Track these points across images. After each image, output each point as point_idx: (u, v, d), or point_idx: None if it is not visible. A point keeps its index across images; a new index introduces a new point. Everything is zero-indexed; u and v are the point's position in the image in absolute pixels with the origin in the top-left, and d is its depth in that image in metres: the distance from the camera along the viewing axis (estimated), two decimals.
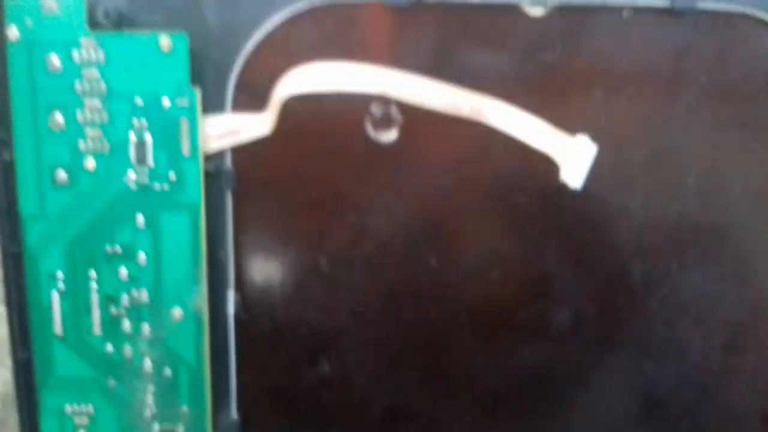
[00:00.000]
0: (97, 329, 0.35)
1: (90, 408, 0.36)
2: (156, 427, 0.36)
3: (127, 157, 0.33)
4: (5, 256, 0.34)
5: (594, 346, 0.37)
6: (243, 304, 0.36)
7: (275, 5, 0.32)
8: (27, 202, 0.33)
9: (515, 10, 0.32)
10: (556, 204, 0.35)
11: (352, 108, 0.33)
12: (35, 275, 0.34)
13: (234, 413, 0.37)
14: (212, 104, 0.33)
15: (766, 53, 0.33)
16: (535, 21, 0.32)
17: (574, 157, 0.32)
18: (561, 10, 0.32)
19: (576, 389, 0.37)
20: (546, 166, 0.34)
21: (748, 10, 0.32)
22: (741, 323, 0.36)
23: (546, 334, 0.37)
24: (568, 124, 0.33)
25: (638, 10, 0.32)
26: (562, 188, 0.34)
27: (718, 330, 0.37)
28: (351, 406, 0.37)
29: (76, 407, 0.36)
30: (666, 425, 0.38)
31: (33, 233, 0.33)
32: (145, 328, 0.35)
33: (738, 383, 0.38)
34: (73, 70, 0.32)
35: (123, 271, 0.34)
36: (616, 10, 0.32)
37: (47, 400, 0.36)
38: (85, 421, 0.36)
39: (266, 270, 0.35)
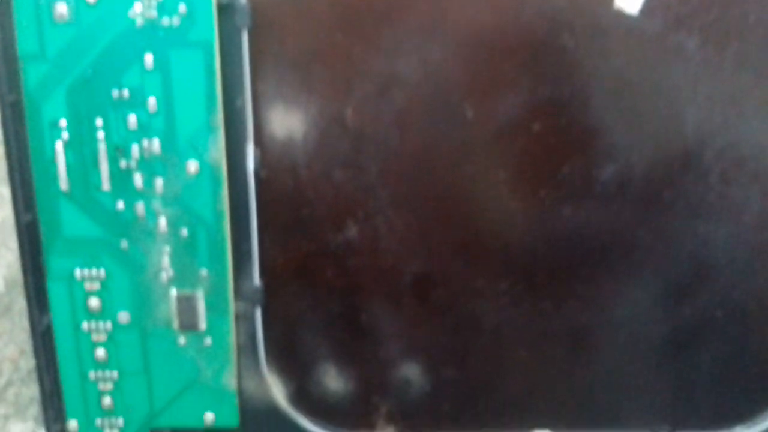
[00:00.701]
0: (105, 184, 0.31)
1: (101, 272, 0.32)
2: (173, 291, 0.33)
3: None
4: (3, 105, 0.30)
5: (642, 204, 0.33)
6: (263, 160, 0.32)
7: None
8: (25, 42, 0.29)
9: None
10: (605, 45, 0.31)
11: None
12: (37, 124, 0.30)
13: (257, 279, 0.33)
14: None
15: None
16: None
17: None
18: None
19: (621, 253, 0.34)
20: (590, 2, 0.29)
21: None
22: None
23: (591, 192, 0.33)
24: None
25: None
26: (612, 27, 0.30)
27: None
28: (379, 273, 0.34)
29: (86, 271, 0.32)
30: (718, 293, 0.35)
31: (33, 76, 0.30)
32: (158, 182, 0.31)
33: None
34: None
35: (132, 119, 0.30)
36: None
37: (55, 264, 0.32)
38: (96, 286, 0.32)
39: (288, 122, 0.32)
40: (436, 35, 0.31)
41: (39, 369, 0.34)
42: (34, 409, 0.38)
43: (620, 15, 0.30)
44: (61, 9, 0.29)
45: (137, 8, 0.29)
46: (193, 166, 0.31)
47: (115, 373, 0.34)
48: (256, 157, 0.32)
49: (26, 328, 0.34)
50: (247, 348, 0.35)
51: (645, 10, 0.30)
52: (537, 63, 0.32)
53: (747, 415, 0.37)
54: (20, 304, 0.36)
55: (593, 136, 0.32)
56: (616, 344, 0.35)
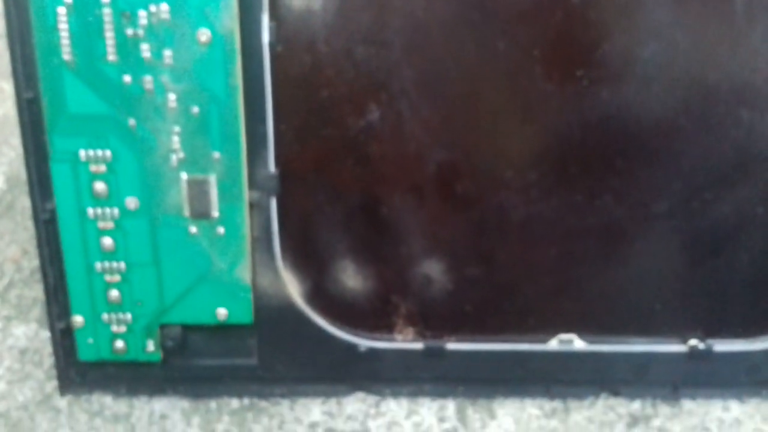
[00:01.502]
0: (111, 54, 0.28)
1: (107, 153, 0.30)
2: (184, 175, 0.30)
3: None
4: None
5: (685, 88, 0.30)
6: (279, 33, 0.29)
7: None
8: None
9: None
10: None
11: None
12: None
13: (272, 166, 0.30)
14: None
15: None
16: None
17: None
18: None
19: (661, 141, 0.31)
20: None
21: None
22: None
23: (631, 72, 0.30)
24: None
25: None
26: None
27: None
28: (402, 161, 0.32)
29: (91, 152, 0.30)
30: (761, 187, 0.32)
31: None
32: (167, 53, 0.28)
33: None
34: None
35: None
36: None
37: (58, 144, 0.29)
38: (102, 168, 0.30)
39: None
40: None
41: (42, 260, 0.32)
42: (37, 311, 0.36)
43: None
44: None
45: None
46: (204, 35, 0.28)
47: (122, 264, 0.32)
48: (271, 30, 0.29)
49: (29, 227, 0.32)
50: (262, 240, 0.32)
51: None
52: None
53: None
54: (23, 202, 0.34)
55: (635, 10, 0.29)
56: (651, 242, 0.33)
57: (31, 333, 0.36)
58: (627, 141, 0.31)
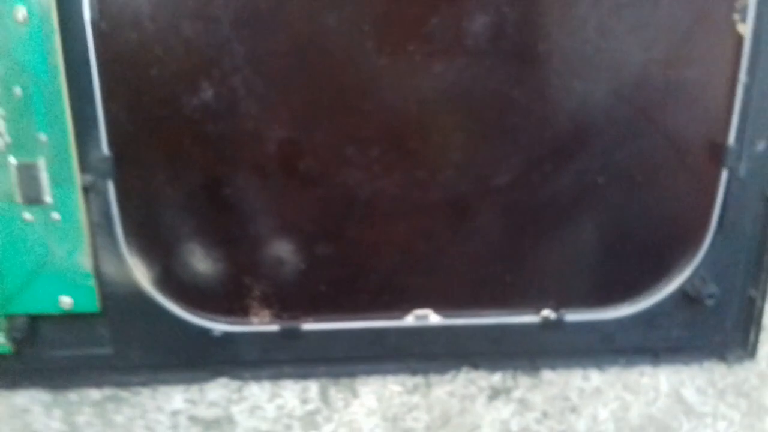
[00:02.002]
0: None
1: None
2: (12, 160, 0.29)
3: None
4: None
5: (516, 60, 0.30)
6: (102, 9, 0.28)
7: None
8: None
9: None
10: None
11: None
12: None
13: (105, 148, 0.29)
14: None
15: None
16: None
17: None
18: None
19: (496, 114, 0.31)
20: None
21: None
22: (683, 31, 0.29)
23: (461, 46, 0.30)
24: None
25: None
26: None
27: (658, 38, 0.30)
28: (241, 139, 0.31)
29: None
30: (599, 157, 0.32)
31: None
32: None
33: (681, 106, 0.31)
34: None
35: None
36: None
37: None
38: None
39: None
40: None
41: None
42: None
43: None
44: None
45: None
46: (20, 12, 0.27)
47: None
48: (92, 6, 0.28)
49: None
50: (102, 226, 0.31)
51: None
52: None
53: (632, 292, 0.34)
54: None
55: None
56: (496, 215, 0.33)
57: None
58: (463, 115, 0.31)
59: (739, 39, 0.30)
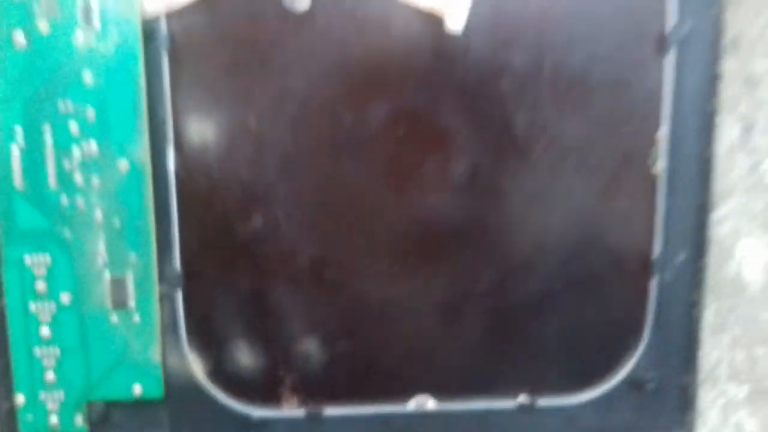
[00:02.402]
0: (53, 182, 0.36)
1: (47, 258, 0.37)
2: (107, 275, 0.37)
3: (76, 20, 0.35)
4: None
5: (489, 194, 0.39)
6: (182, 162, 0.38)
7: None
8: None
9: None
10: (448, 63, 0.38)
11: None
12: None
13: (177, 265, 0.38)
14: None
15: None
16: None
17: (454, 7, 0.36)
18: None
19: (476, 235, 0.40)
20: (437, 28, 0.37)
21: None
22: (611, 167, 0.39)
23: (447, 184, 0.39)
24: None
25: None
26: (452, 47, 0.37)
27: (595, 176, 0.40)
28: (281, 256, 0.39)
29: (35, 258, 0.37)
30: (555, 269, 0.41)
31: None
32: (95, 180, 0.36)
33: (616, 226, 0.40)
34: None
35: (73, 126, 0.36)
36: None
37: (9, 252, 0.37)
38: (43, 271, 0.37)
39: (201, 129, 0.38)
40: (319, 58, 0.38)
41: None
42: None
43: (454, 37, 0.37)
44: (18, 37, 0.35)
45: (79, 37, 0.35)
46: (123, 165, 0.36)
47: (57, 350, 0.38)
48: (175, 159, 0.37)
49: None
50: (170, 326, 0.39)
51: (477, 35, 0.37)
52: (397, 78, 0.38)
53: (591, 381, 0.42)
54: None
55: (446, 137, 0.39)
56: (479, 316, 0.41)
57: None
58: (451, 237, 0.40)
59: (655, 178, 0.40)
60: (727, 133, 0.41)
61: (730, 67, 0.40)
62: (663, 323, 0.41)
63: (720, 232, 0.42)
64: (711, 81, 0.38)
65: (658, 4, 0.37)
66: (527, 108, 0.38)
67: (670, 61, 0.38)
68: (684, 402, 0.42)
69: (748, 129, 0.41)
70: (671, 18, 0.37)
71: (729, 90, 0.40)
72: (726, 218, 0.42)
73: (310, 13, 0.37)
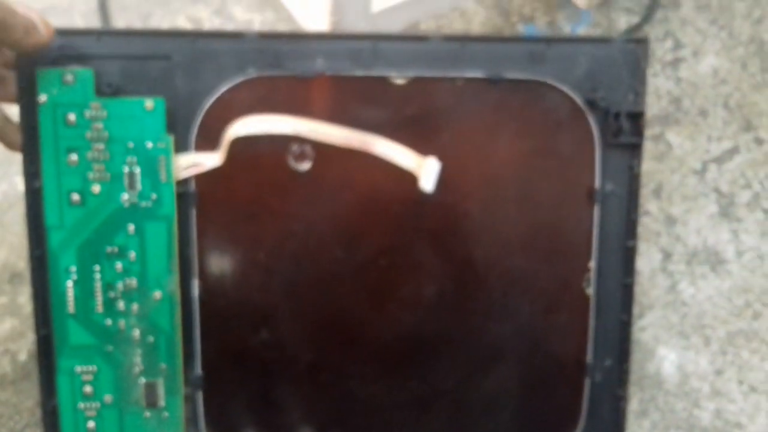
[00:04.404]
0: (99, 308, 0.42)
1: (94, 368, 0.43)
2: (142, 380, 0.43)
3: (122, 184, 0.41)
4: (33, 258, 0.42)
5: (453, 312, 0.45)
6: (204, 289, 0.43)
7: (223, 79, 0.41)
8: (50, 217, 0.41)
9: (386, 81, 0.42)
10: (421, 211, 0.44)
11: (277, 146, 0.42)
12: (56, 270, 0.41)
13: (199, 369, 0.44)
14: (181, 146, 0.41)
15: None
16: (399, 87, 0.42)
17: (426, 171, 0.42)
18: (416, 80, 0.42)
19: (442, 344, 0.46)
20: (412, 184, 0.43)
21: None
22: (552, 291, 0.46)
23: (420, 304, 0.45)
24: (423, 151, 0.42)
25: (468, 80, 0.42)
26: (424, 199, 0.43)
27: (538, 296, 0.46)
28: (285, 362, 0.45)
29: (83, 368, 0.43)
30: (507, 372, 0.46)
31: (54, 239, 0.41)
32: (134, 306, 0.42)
33: (557, 338, 0.47)
34: (84, 124, 0.40)
35: (118, 265, 0.42)
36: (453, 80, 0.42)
37: (62, 363, 0.43)
38: (90, 378, 0.43)
39: (221, 263, 0.43)
40: (317, 207, 0.44)
41: None
42: None
43: (424, 193, 0.43)
44: (75, 196, 0.41)
45: (125, 196, 0.41)
46: (157, 294, 0.42)
47: None
48: (199, 288, 0.43)
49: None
50: (193, 420, 0.45)
51: (443, 191, 0.43)
52: (380, 222, 0.44)
53: None
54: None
55: (419, 268, 0.45)
56: (444, 408, 0.47)
57: None
58: (423, 344, 0.46)
59: (588, 299, 0.46)
60: (651, 259, 0.47)
61: (653, 208, 0.46)
62: (595, 413, 0.47)
63: (643, 337, 0.48)
64: (630, 225, 0.45)
65: (589, 167, 0.43)
66: (483, 246, 0.44)
67: (597, 210, 0.44)
68: None
69: (667, 257, 0.47)
70: (598, 177, 0.44)
71: (653, 226, 0.47)
72: (648, 326, 0.48)
73: (310, 172, 0.42)
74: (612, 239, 0.45)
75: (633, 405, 0.48)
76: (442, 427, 0.46)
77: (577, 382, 0.46)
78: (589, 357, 0.46)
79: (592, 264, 0.45)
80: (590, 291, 0.45)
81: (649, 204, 0.44)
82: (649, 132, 0.45)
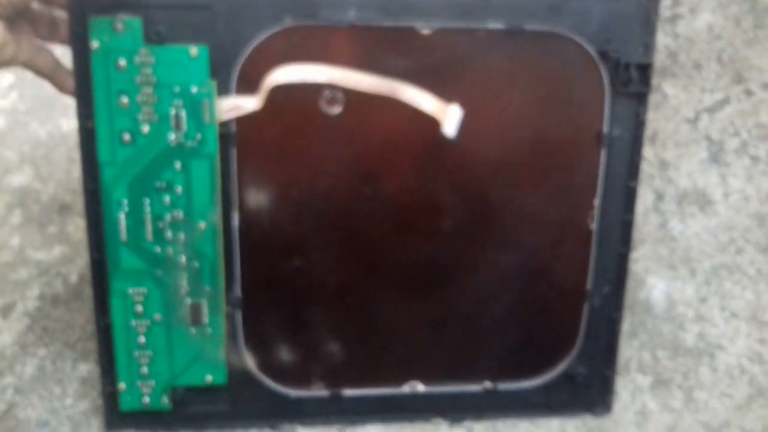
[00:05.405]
0: (149, 237, 0.44)
1: (144, 290, 0.45)
2: (188, 300, 0.46)
3: (169, 125, 0.42)
4: (87, 191, 0.43)
5: (468, 244, 0.47)
6: (243, 220, 0.45)
7: (261, 28, 0.42)
8: (103, 154, 0.42)
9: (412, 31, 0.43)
10: (441, 151, 0.45)
11: (310, 92, 0.43)
12: (108, 202, 0.43)
13: (239, 291, 0.47)
14: (223, 90, 0.43)
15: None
16: (425, 37, 0.43)
17: (449, 117, 0.43)
18: (441, 31, 0.43)
19: (457, 272, 0.48)
20: (433, 128, 0.44)
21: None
22: (559, 225, 0.48)
23: (437, 236, 0.47)
24: (443, 97, 0.44)
25: (489, 31, 0.43)
26: (444, 141, 0.45)
27: (546, 230, 0.48)
28: (314, 286, 0.47)
29: (134, 290, 0.45)
30: (515, 297, 0.49)
31: (107, 175, 0.43)
32: (181, 235, 0.44)
33: (560, 268, 0.49)
34: (134, 69, 0.41)
35: (167, 199, 0.43)
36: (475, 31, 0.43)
37: (115, 286, 0.45)
38: (140, 299, 0.45)
39: (258, 197, 0.45)
40: (346, 148, 0.45)
41: (101, 350, 0.47)
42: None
43: (444, 136, 0.45)
44: (126, 136, 0.43)
45: (171, 136, 0.43)
46: (202, 225, 0.44)
47: (150, 353, 0.47)
48: (239, 219, 0.45)
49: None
50: (233, 336, 0.48)
51: (459, 133, 0.45)
52: (404, 162, 0.46)
53: (539, 372, 0.51)
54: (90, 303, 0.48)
55: (437, 201, 0.47)
56: (456, 327, 0.50)
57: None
58: (441, 269, 0.48)
59: (590, 232, 0.49)
60: (645, 199, 0.49)
61: (648, 153, 0.48)
62: (591, 334, 0.50)
63: (635, 268, 0.51)
64: (633, 167, 0.47)
65: (598, 113, 0.45)
66: (497, 185, 0.46)
67: (603, 153, 0.46)
68: (605, 388, 0.52)
69: (659, 197, 0.50)
70: (606, 122, 0.45)
71: (647, 169, 0.49)
72: (640, 259, 0.51)
73: (340, 116, 0.44)
74: (616, 180, 0.47)
75: (624, 327, 0.51)
76: (454, 345, 0.49)
77: (576, 307, 0.49)
78: (589, 285, 0.48)
79: (597, 202, 0.47)
80: (593, 226, 0.47)
81: (645, 149, 0.46)
82: None
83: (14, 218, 0.49)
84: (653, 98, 0.46)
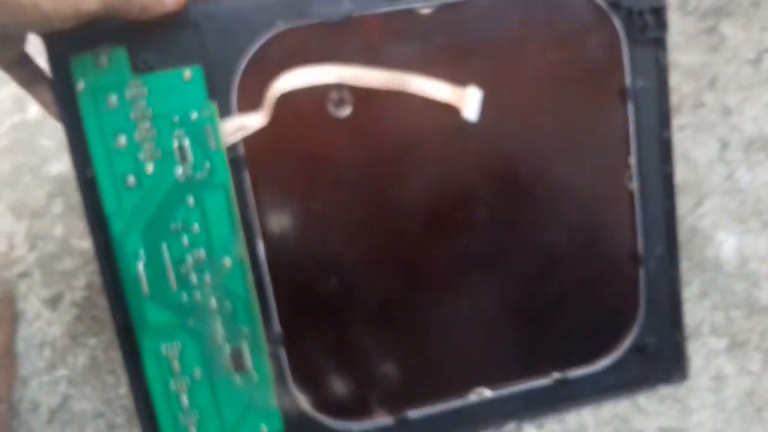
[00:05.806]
0: (173, 285, 0.40)
1: (178, 344, 0.41)
2: (227, 347, 0.41)
3: (174, 159, 0.38)
4: (98, 248, 0.39)
5: (507, 228, 0.44)
6: (269, 248, 0.41)
7: (254, 36, 0.38)
8: (109, 204, 0.38)
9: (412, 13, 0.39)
10: (463, 137, 0.42)
11: (316, 96, 0.39)
12: (123, 255, 0.39)
13: (278, 327, 0.42)
14: (224, 111, 0.39)
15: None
16: (427, 17, 0.40)
17: (469, 101, 0.40)
18: (442, 7, 0.40)
19: (501, 260, 0.44)
20: (451, 113, 0.41)
21: None
22: (597, 192, 0.44)
23: (473, 224, 0.43)
24: (458, 77, 0.40)
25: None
26: (464, 125, 0.41)
27: (585, 200, 0.44)
28: (358, 304, 0.43)
29: (167, 346, 0.41)
30: (565, 276, 0.45)
31: (117, 225, 0.39)
32: (207, 277, 0.40)
33: (607, 235, 0.45)
34: (126, 104, 0.37)
35: (185, 240, 0.39)
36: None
37: (146, 345, 0.41)
38: (176, 354, 0.41)
39: (280, 220, 0.41)
40: (357, 151, 0.41)
41: (142, 424, 0.42)
42: None
43: (463, 120, 0.41)
44: (130, 179, 0.38)
45: (179, 171, 0.39)
46: (227, 261, 0.40)
47: (196, 413, 0.42)
48: (265, 250, 0.41)
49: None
50: (280, 376, 0.43)
51: (482, 117, 0.41)
52: (426, 154, 0.42)
53: (607, 350, 0.47)
54: None
55: (470, 191, 0.43)
56: (511, 320, 0.46)
57: None
58: (477, 260, 0.45)
59: (632, 193, 0.45)
60: (708, 149, 0.46)
61: (709, 99, 0.45)
62: (653, 300, 0.46)
63: (703, 224, 0.47)
64: (663, 116, 0.43)
65: (618, 67, 0.42)
66: (527, 161, 0.43)
67: (630, 107, 0.43)
68: (677, 354, 0.48)
69: (724, 146, 0.46)
70: (628, 75, 0.42)
71: (709, 117, 0.45)
72: (708, 213, 0.47)
73: (351, 117, 0.40)
74: (648, 133, 0.43)
75: (693, 288, 0.47)
76: (513, 340, 0.45)
77: (632, 274, 0.45)
78: (641, 248, 0.45)
79: (632, 160, 0.43)
80: (633, 186, 0.44)
81: (704, 95, 0.43)
82: (702, 25, 0.43)
83: (56, 207, 0.46)
84: (710, 40, 0.43)
